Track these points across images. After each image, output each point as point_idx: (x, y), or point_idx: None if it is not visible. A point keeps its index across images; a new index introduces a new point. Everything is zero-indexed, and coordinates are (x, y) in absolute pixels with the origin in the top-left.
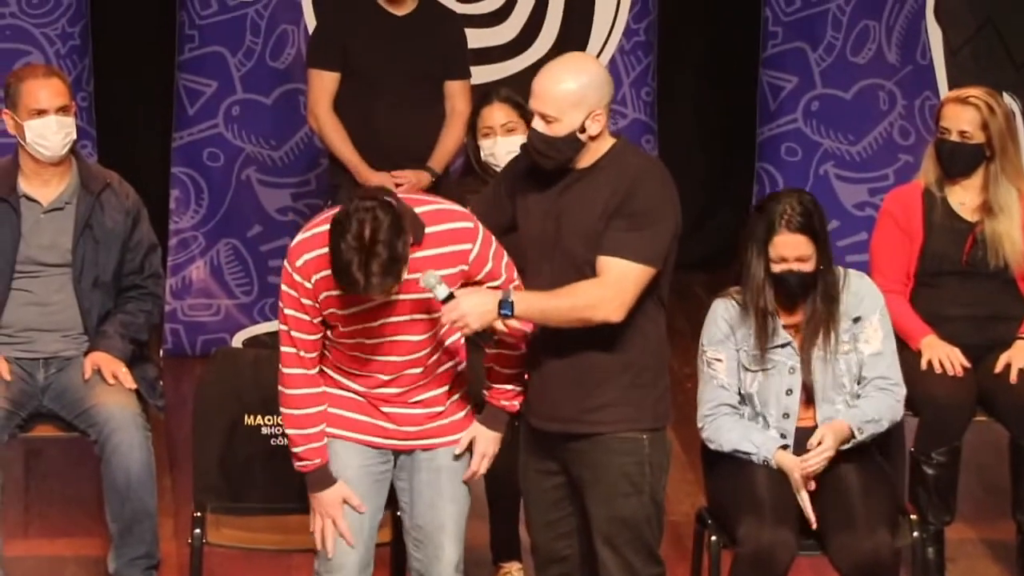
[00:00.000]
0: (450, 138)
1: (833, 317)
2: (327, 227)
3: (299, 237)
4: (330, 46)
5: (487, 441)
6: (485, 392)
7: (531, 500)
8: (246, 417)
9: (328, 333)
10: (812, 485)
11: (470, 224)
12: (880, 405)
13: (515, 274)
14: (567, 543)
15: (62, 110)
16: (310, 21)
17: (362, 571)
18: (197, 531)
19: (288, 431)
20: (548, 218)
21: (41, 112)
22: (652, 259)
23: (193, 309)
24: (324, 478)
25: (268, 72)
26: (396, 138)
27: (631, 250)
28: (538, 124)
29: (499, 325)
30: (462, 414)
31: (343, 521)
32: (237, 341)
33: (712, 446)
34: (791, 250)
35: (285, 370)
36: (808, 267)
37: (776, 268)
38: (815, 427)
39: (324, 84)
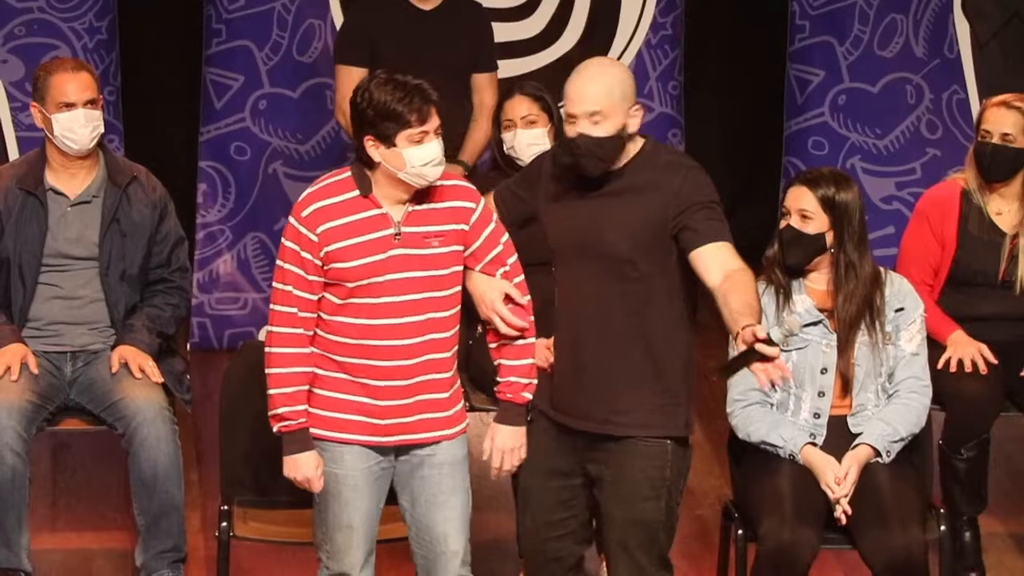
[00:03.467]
0: (479, 131)
1: (879, 307)
2: (336, 178)
3: (307, 191)
4: (358, 42)
5: (506, 436)
6: (495, 389)
7: (534, 498)
8: None
9: (332, 298)
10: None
11: (473, 188)
12: (910, 416)
13: (515, 257)
14: (564, 544)
15: (90, 103)
16: (336, 15)
17: (365, 567)
18: (224, 524)
19: (270, 391)
20: (586, 218)
21: (69, 105)
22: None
23: (220, 303)
24: (303, 441)
25: (295, 66)
26: None
27: (723, 233)
28: (584, 126)
29: (499, 323)
30: (459, 407)
31: (319, 485)
32: (264, 335)
33: (740, 434)
34: (794, 201)
35: (276, 329)
36: (809, 228)
37: (781, 224)
38: (849, 415)
39: (352, 80)
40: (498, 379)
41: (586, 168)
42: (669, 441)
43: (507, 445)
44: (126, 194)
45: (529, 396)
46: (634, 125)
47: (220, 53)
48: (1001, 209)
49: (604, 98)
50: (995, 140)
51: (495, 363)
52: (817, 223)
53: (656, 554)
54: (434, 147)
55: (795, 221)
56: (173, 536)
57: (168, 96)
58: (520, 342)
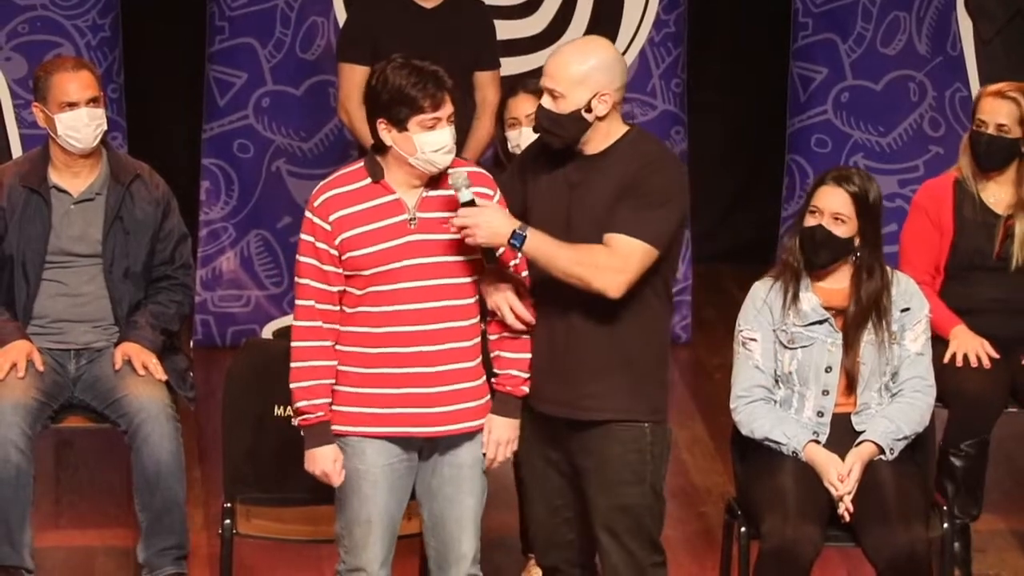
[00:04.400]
0: (482, 128)
1: (886, 307)
2: (348, 168)
3: (322, 183)
4: (360, 41)
5: (502, 428)
6: (492, 380)
7: (534, 486)
8: (276, 408)
9: (352, 290)
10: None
11: (490, 176)
12: (913, 415)
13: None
14: (569, 529)
15: (92, 102)
16: (340, 13)
17: (384, 565)
18: (227, 522)
19: (291, 384)
20: (560, 203)
21: (71, 105)
22: (656, 240)
23: (223, 300)
24: (322, 434)
25: (298, 64)
26: None
27: (637, 228)
28: (546, 101)
29: (508, 314)
30: (485, 399)
31: (338, 479)
32: (267, 332)
33: (743, 430)
34: (827, 202)
35: (296, 323)
36: (842, 231)
37: (808, 221)
38: (853, 413)
39: (355, 78)
40: (496, 371)
41: (546, 141)
42: (646, 424)
43: (503, 437)
44: (129, 191)
45: (527, 390)
46: (601, 110)
47: (223, 50)
48: (996, 195)
49: (564, 79)
50: (990, 131)
51: (492, 354)
52: (849, 226)
53: (646, 538)
54: (445, 134)
55: (827, 222)
56: (176, 533)
57: (171, 93)
58: (523, 336)
